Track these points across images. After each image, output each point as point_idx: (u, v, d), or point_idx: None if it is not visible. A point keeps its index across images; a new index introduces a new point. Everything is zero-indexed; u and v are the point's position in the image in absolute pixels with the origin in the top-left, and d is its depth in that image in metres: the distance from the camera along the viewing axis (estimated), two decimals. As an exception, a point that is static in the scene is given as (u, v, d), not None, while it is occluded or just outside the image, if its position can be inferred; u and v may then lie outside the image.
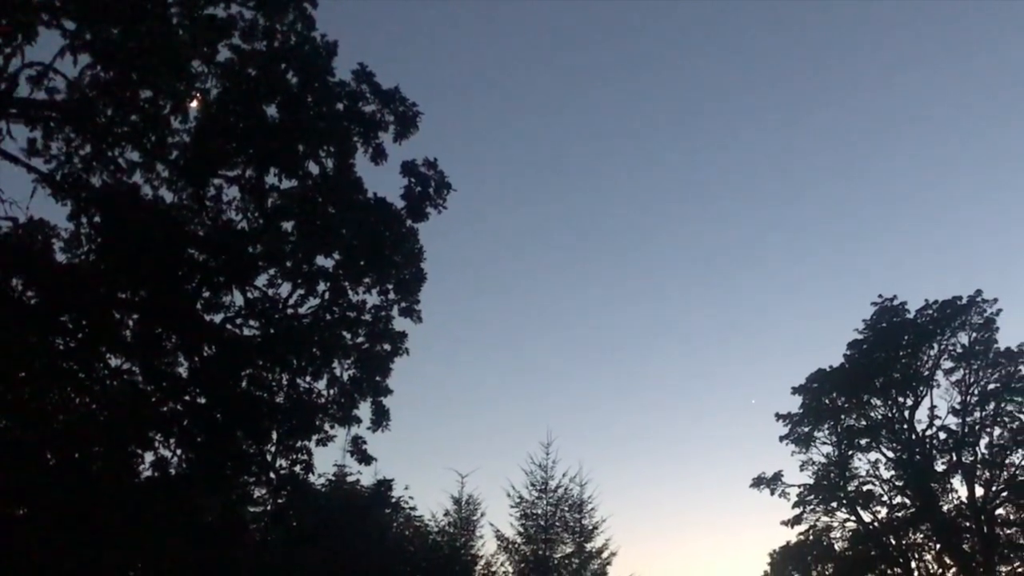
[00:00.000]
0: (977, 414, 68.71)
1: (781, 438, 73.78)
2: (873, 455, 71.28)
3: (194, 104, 29.27)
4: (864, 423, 71.57)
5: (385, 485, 44.48)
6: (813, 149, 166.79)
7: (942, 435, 69.30)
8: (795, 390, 73.67)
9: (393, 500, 47.01)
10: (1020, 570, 66.25)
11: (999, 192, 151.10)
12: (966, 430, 68.48)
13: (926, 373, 69.83)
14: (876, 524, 70.36)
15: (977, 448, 68.30)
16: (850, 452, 71.70)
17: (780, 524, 73.40)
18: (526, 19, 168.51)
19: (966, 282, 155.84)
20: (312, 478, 33.94)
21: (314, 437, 32.04)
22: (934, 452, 69.34)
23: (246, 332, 31.32)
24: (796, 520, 72.64)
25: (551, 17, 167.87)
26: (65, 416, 28.74)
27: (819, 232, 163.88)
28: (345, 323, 32.09)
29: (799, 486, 72.80)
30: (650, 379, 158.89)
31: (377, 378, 32.61)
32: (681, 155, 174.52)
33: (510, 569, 52.27)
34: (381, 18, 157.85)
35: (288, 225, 31.08)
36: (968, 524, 67.40)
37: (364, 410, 32.64)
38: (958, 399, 68.91)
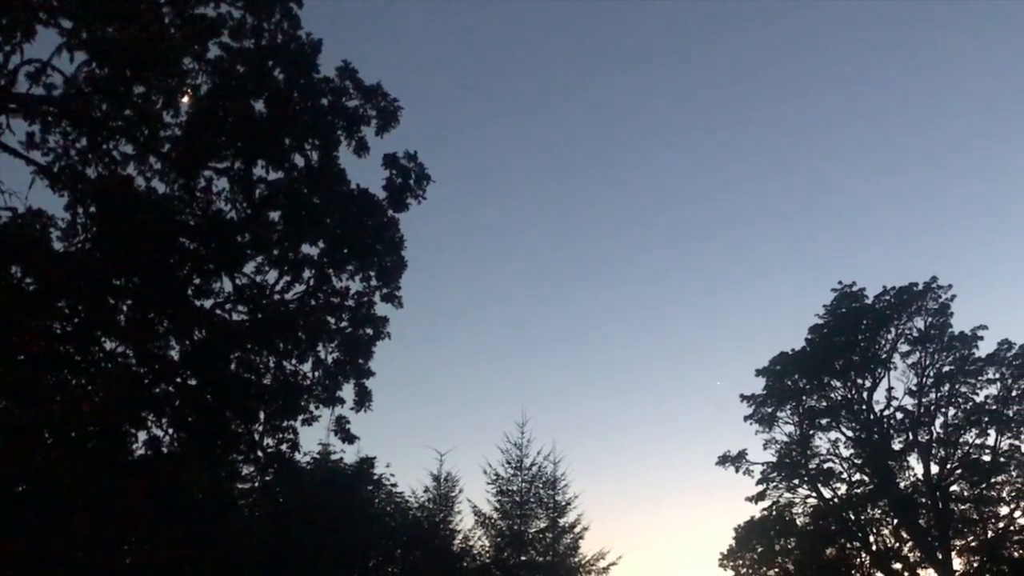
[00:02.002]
0: (932, 395, 69.21)
1: (745, 418, 74.12)
2: (833, 434, 71.69)
3: (185, 99, 29.46)
4: (825, 404, 71.92)
5: (367, 463, 45.00)
6: (778, 141, 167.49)
7: (899, 415, 69.74)
8: (759, 372, 73.97)
9: (375, 477, 47.52)
10: (973, 544, 66.84)
11: (955, 184, 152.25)
12: (922, 410, 68.99)
13: (884, 356, 70.34)
14: (836, 500, 70.81)
15: (932, 428, 68.80)
16: (811, 431, 72.02)
17: (745, 500, 73.78)
18: (501, 17, 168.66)
19: (922, 269, 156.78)
20: (298, 456, 34.09)
21: (300, 417, 32.29)
22: (891, 431, 69.81)
23: (235, 317, 31.53)
24: (760, 496, 72.98)
25: (525, 14, 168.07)
26: (62, 397, 28.95)
27: (782, 221, 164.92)
28: (329, 308, 32.31)
29: (763, 464, 73.13)
30: (621, 362, 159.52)
31: (360, 361, 32.85)
32: (652, 146, 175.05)
33: (487, 543, 52.77)
34: (364, 17, 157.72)
35: (275, 215, 31.32)
36: (924, 500, 67.90)
37: (347, 391, 32.91)
38: (914, 381, 69.44)
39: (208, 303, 31.02)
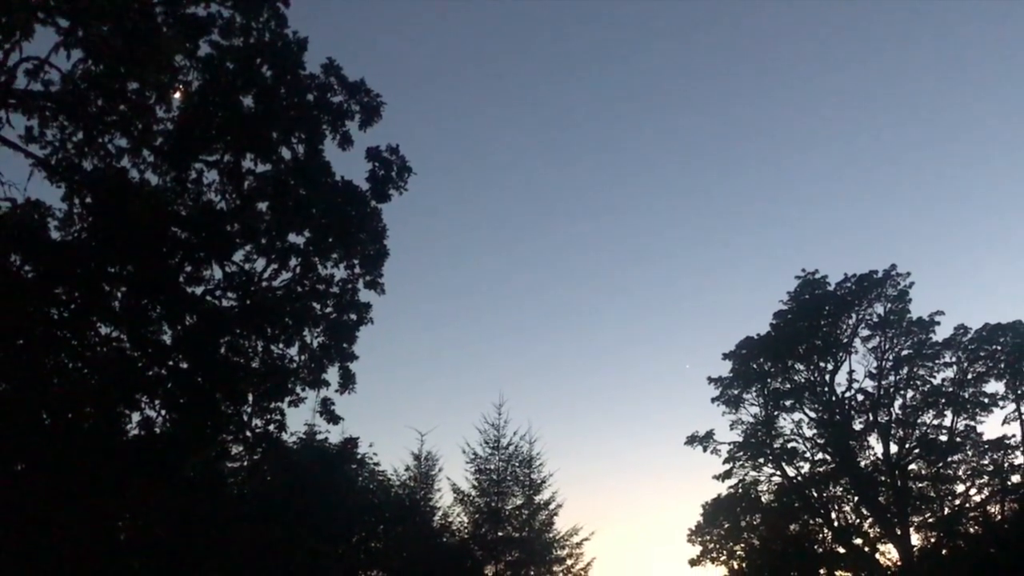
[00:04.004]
0: (892, 378, 69.83)
1: (713, 400, 74.26)
2: (797, 415, 72.06)
3: (177, 95, 29.77)
4: (788, 386, 72.30)
5: (351, 443, 45.15)
6: (746, 134, 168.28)
7: (860, 397, 70.33)
8: (726, 356, 74.26)
9: (359, 456, 47.68)
10: (931, 520, 67.51)
11: (914, 176, 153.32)
12: (881, 392, 69.60)
13: (845, 340, 70.86)
14: (799, 478, 71.26)
15: (891, 409, 69.35)
16: (776, 412, 72.38)
17: (712, 478, 74.04)
18: (481, 16, 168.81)
19: (882, 257, 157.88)
20: (285, 436, 34.44)
21: (287, 399, 32.66)
22: (852, 412, 70.38)
23: (224, 303, 31.90)
24: (727, 475, 73.31)
25: (503, 12, 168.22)
26: (60, 380, 29.23)
27: (750, 211, 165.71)
28: (315, 295, 32.64)
29: (729, 443, 73.37)
30: (594, 346, 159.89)
31: (344, 345, 33.17)
32: (624, 137, 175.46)
33: (465, 519, 53.09)
34: (348, 16, 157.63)
35: (263, 205, 31.68)
36: (883, 478, 68.49)
37: (332, 374, 33.28)
38: (874, 364, 69.96)
39: (199, 290, 31.44)
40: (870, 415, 69.80)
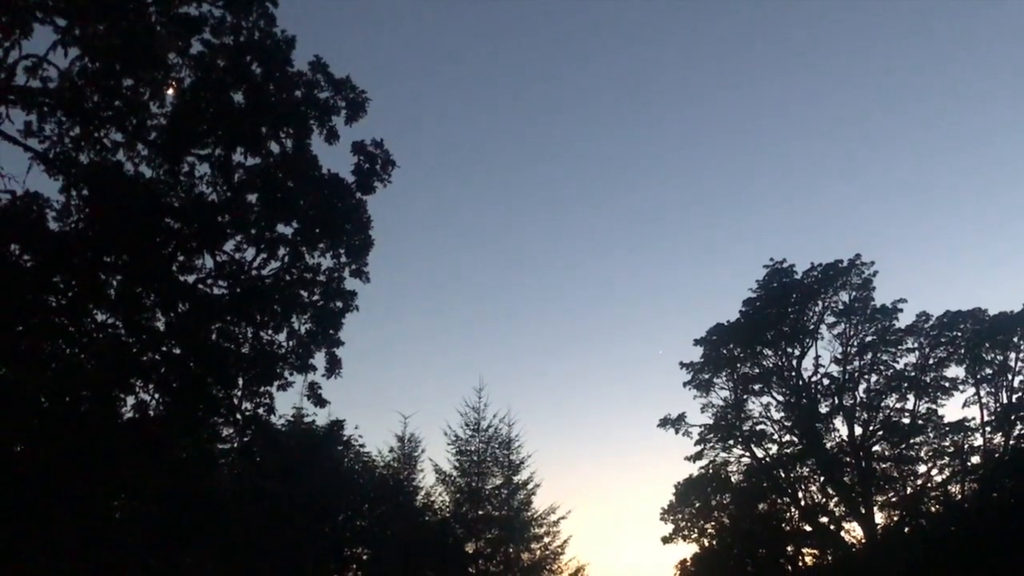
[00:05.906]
0: (856, 363, 70.52)
1: (684, 384, 74.78)
2: (765, 399, 72.79)
3: (170, 91, 29.84)
4: (757, 371, 72.85)
5: (338, 425, 45.55)
6: (717, 130, 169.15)
7: (825, 381, 71.09)
8: (697, 342, 74.77)
9: (345, 438, 48.19)
10: (894, 500, 68.32)
11: (878, 169, 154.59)
12: (846, 377, 70.30)
13: (811, 327, 71.42)
14: (767, 459, 71.94)
15: (856, 393, 70.12)
16: (745, 396, 72.97)
17: (684, 459, 74.67)
18: (455, 16, 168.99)
19: (847, 246, 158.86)
20: (274, 419, 34.56)
21: (275, 383, 32.61)
22: (818, 396, 71.04)
23: (216, 291, 31.85)
24: (698, 456, 73.92)
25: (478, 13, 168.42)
26: (57, 365, 29.35)
27: (721, 202, 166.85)
28: (303, 283, 32.66)
29: (700, 426, 74.00)
30: (572, 332, 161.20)
31: (331, 331, 33.22)
32: (599, 132, 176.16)
33: (447, 499, 53.64)
34: (335, 15, 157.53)
35: (252, 197, 31.63)
36: (848, 459, 69.22)
37: (319, 359, 33.23)
38: (840, 350, 70.68)
39: (191, 278, 31.43)
40: (835, 399, 70.54)
